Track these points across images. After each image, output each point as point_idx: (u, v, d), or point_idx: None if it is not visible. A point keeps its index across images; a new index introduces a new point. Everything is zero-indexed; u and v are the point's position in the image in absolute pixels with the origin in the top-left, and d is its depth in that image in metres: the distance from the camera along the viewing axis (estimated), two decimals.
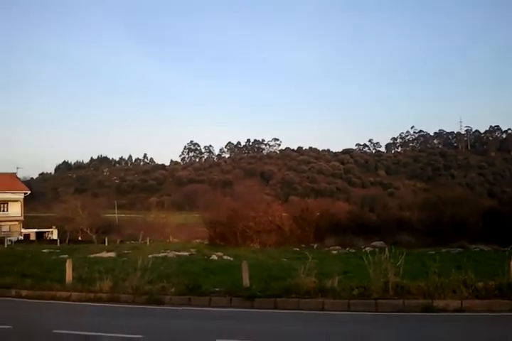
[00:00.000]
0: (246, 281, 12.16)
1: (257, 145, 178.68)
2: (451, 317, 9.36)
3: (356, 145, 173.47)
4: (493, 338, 7.55)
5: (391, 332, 8.27)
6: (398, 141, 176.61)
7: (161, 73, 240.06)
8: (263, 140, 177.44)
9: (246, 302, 11.28)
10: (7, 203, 67.03)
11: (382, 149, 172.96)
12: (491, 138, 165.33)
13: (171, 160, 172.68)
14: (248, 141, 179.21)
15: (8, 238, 53.49)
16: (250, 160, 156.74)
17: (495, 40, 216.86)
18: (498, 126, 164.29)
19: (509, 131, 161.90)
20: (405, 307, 9.99)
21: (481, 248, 29.34)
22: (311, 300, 10.76)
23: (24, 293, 13.92)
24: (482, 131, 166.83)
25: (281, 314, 10.37)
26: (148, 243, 43.60)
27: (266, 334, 8.10)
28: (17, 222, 66.82)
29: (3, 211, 66.92)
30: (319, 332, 8.35)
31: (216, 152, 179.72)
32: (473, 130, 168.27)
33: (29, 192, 70.24)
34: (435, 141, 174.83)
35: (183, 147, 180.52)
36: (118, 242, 49.51)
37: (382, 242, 32.44)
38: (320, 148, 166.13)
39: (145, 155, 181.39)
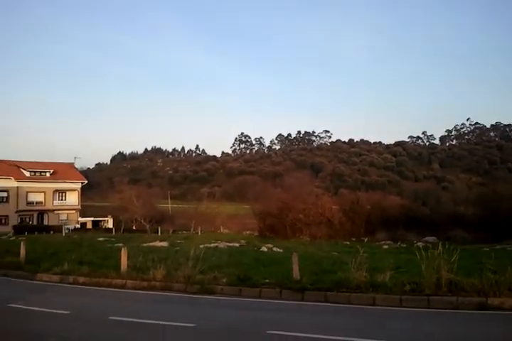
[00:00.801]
0: (296, 274, 12.19)
1: (307, 137, 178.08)
2: (507, 316, 9.12)
3: (409, 137, 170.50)
4: None
5: (445, 329, 8.14)
6: (453, 133, 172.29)
7: (215, 65, 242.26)
8: (314, 132, 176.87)
9: (296, 295, 11.32)
10: (65, 192, 69.58)
11: (436, 142, 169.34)
12: None
13: (222, 152, 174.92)
14: (299, 132, 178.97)
15: (66, 226, 55.56)
16: (301, 152, 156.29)
17: None
18: None
19: None
20: (459, 305, 9.75)
21: None
22: (362, 294, 10.67)
23: (81, 279, 14.48)
24: None
25: (331, 307, 10.34)
26: (199, 233, 44.32)
27: (317, 327, 8.12)
28: (74, 211, 69.35)
29: (62, 200, 69.52)
30: (370, 327, 8.31)
31: (267, 144, 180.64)
32: None
33: (86, 181, 72.66)
34: (492, 134, 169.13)
35: (234, 139, 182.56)
36: (170, 232, 50.54)
37: (434, 237, 31.67)
38: (372, 141, 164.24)
39: (197, 147, 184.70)
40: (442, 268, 10.44)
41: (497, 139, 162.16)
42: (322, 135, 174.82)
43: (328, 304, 10.64)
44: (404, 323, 8.77)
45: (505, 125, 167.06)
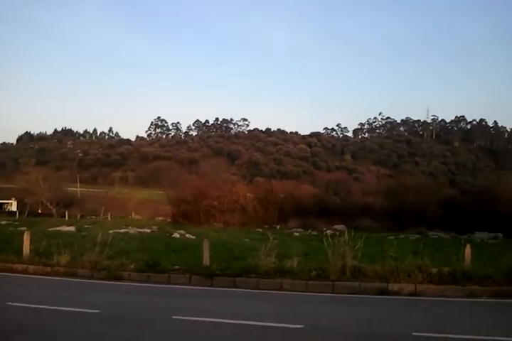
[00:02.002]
0: (206, 260, 12.19)
1: (225, 125, 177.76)
2: (405, 300, 9.62)
3: (324, 129, 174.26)
4: (439, 321, 7.77)
5: (347, 312, 8.44)
6: (365, 126, 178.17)
7: (131, 44, 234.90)
8: (231, 119, 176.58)
9: (205, 281, 11.34)
10: None
11: (350, 134, 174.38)
12: (455, 128, 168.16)
13: (137, 136, 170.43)
14: (216, 119, 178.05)
15: None
16: (218, 139, 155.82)
17: (462, 31, 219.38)
18: (463, 116, 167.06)
19: (474, 122, 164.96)
20: (361, 290, 10.21)
21: (439, 235, 30.03)
22: (270, 280, 10.88)
23: None
24: (448, 120, 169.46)
25: (239, 292, 10.46)
26: (109, 218, 43.19)
27: (222, 311, 8.15)
28: None
29: None
30: (275, 311, 8.44)
31: (184, 129, 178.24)
32: (439, 119, 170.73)
33: None
34: (401, 129, 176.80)
35: (149, 123, 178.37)
36: (78, 217, 48.80)
37: (343, 226, 32.80)
38: (288, 131, 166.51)
39: (110, 129, 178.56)
40: (347, 255, 10.88)
41: (406, 134, 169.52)
42: (240, 123, 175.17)
43: (237, 289, 10.74)
44: (310, 307, 9.00)
45: (414, 121, 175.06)
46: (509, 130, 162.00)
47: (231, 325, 7.10)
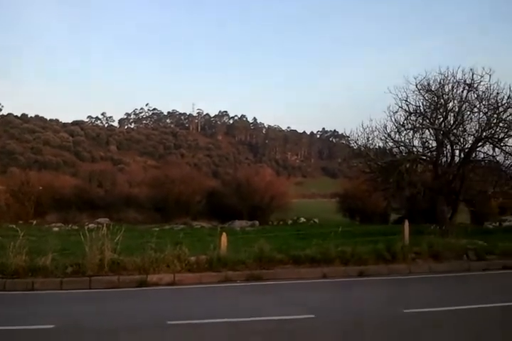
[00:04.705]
0: None
1: None
2: (162, 291, 9.82)
3: (88, 117, 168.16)
4: (191, 308, 8.10)
5: (99, 308, 8.28)
6: (132, 117, 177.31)
7: None
8: None
9: None
10: None
11: (115, 124, 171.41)
12: (219, 122, 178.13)
13: None
14: None
15: None
16: None
17: (231, 28, 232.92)
18: (226, 111, 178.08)
19: (236, 118, 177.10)
20: (120, 283, 10.09)
21: (202, 225, 31.30)
22: (19, 280, 10.09)
23: None
24: (212, 115, 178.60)
25: None
26: None
27: None
28: None
29: None
30: (23, 313, 7.89)
31: None
32: (204, 113, 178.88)
33: None
34: (168, 120, 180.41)
35: None
36: None
37: (107, 219, 32.03)
38: (48, 117, 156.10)
39: None
40: (106, 249, 10.66)
41: (172, 126, 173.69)
42: None
43: None
44: (64, 305, 8.65)
45: (180, 113, 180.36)
46: (266, 126, 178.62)
47: None
